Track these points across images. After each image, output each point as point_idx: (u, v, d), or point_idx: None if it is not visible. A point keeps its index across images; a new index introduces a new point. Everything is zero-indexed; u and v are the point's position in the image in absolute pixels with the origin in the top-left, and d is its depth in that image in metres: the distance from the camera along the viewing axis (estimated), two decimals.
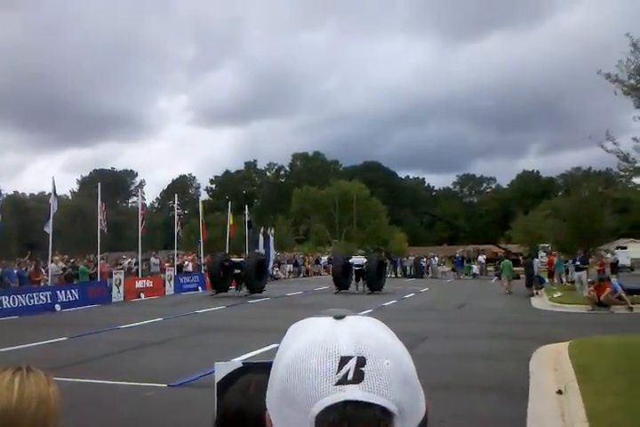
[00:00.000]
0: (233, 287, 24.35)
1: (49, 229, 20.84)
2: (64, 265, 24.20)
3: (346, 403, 0.61)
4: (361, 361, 0.63)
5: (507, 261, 27.26)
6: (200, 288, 27.15)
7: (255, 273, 23.65)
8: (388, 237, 71.56)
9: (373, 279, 24.75)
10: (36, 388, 1.01)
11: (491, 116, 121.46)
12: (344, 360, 0.63)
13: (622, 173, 11.52)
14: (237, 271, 23.92)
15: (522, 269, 26.65)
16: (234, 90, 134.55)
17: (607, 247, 33.94)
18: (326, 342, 0.65)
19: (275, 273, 36.38)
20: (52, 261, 21.94)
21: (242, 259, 25.27)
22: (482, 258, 41.24)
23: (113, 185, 68.12)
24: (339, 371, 0.62)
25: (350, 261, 25.97)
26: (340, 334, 0.66)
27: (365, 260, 25.74)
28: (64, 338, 12.29)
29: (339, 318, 0.68)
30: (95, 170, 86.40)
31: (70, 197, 73.88)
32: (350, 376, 0.62)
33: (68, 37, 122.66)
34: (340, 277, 25.28)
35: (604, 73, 10.61)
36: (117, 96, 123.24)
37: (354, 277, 25.78)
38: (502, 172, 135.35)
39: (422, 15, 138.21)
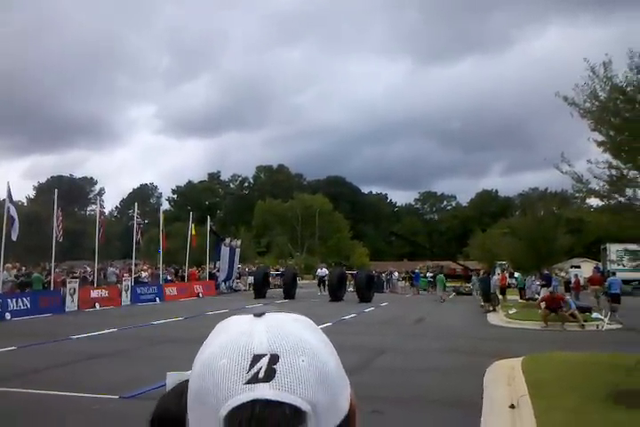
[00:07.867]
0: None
1: (14, 236, 20.24)
2: (17, 273, 23.49)
3: (255, 402, 0.58)
4: (274, 359, 0.60)
5: (440, 275, 32.31)
6: (158, 299, 26.73)
7: (290, 283, 29.66)
8: (350, 251, 71.89)
9: (363, 291, 28.05)
10: None
11: (456, 136, 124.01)
12: (256, 358, 0.60)
13: (577, 195, 11.82)
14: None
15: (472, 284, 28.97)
16: (205, 101, 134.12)
17: (561, 266, 34.76)
18: (240, 340, 0.62)
19: (235, 285, 36.05)
20: (3, 269, 21.28)
21: (280, 271, 31.82)
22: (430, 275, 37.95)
23: (71, 192, 66.60)
24: (250, 369, 0.59)
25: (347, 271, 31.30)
26: (255, 332, 0.62)
27: (356, 272, 31.17)
28: (13, 347, 11.89)
29: (258, 315, 0.65)
30: (53, 177, 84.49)
31: (26, 204, 71.92)
32: (261, 375, 0.59)
33: (42, 43, 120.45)
34: (335, 289, 28.41)
35: (561, 95, 10.89)
36: (88, 103, 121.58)
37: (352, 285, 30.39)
38: (464, 190, 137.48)
39: (397, 37, 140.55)
